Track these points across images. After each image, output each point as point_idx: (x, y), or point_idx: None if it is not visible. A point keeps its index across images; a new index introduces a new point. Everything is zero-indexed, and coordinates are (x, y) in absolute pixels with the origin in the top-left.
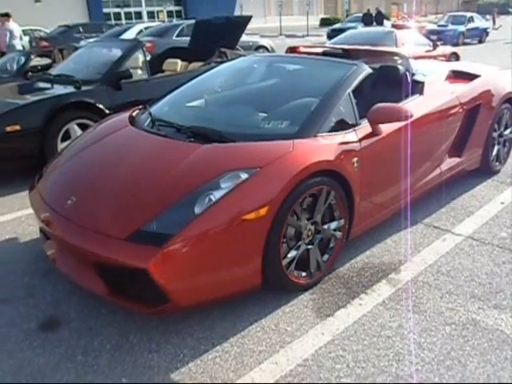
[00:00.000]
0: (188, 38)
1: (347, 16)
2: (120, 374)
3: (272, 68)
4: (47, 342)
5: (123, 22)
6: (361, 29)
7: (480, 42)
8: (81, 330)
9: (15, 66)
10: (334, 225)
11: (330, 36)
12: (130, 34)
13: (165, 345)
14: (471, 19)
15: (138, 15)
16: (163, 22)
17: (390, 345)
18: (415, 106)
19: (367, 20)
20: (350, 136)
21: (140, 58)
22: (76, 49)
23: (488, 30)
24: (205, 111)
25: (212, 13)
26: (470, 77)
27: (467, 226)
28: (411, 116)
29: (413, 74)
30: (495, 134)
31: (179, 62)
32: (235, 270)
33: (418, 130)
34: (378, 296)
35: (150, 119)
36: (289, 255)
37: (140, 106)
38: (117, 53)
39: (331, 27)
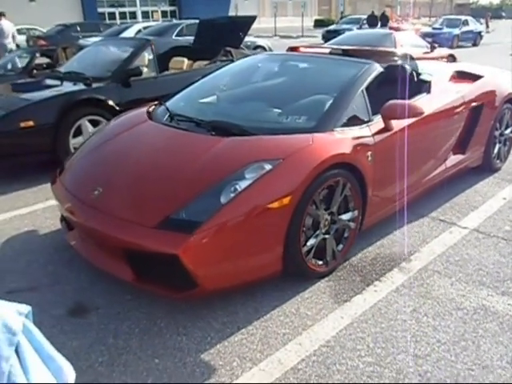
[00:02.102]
0: (187, 38)
1: (342, 18)
2: (151, 355)
3: (284, 66)
4: (78, 326)
5: (118, 21)
6: (357, 30)
7: (474, 44)
8: (109, 315)
9: (20, 64)
10: (348, 215)
11: (325, 37)
12: (128, 34)
13: (192, 328)
14: (466, 22)
15: (133, 15)
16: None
17: (407, 327)
18: (423, 104)
19: (372, 21)
20: (364, 131)
21: (148, 56)
22: (80, 47)
23: (482, 34)
24: (221, 107)
25: (207, 13)
26: (473, 77)
27: (472, 220)
28: (423, 113)
29: (419, 74)
30: (497, 133)
31: (185, 60)
32: (258, 256)
33: (425, 127)
34: (392, 283)
35: (168, 114)
36: (308, 243)
37: (155, 102)
38: (126, 51)
39: (326, 28)
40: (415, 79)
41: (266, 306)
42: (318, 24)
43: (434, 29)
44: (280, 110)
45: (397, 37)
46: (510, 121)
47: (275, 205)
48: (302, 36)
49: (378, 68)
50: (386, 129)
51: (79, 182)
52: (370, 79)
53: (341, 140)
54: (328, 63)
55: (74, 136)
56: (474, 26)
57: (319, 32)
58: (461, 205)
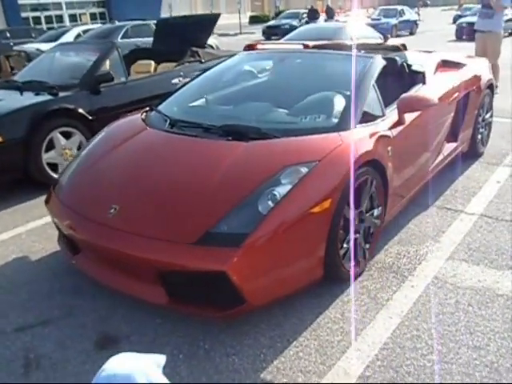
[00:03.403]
0: (134, 40)
1: (279, 13)
2: (207, 381)
3: (282, 63)
4: None
5: (44, 26)
6: (311, 25)
7: (411, 33)
8: (143, 342)
9: None
10: (374, 213)
11: (266, 33)
12: (67, 38)
13: (240, 347)
14: (402, 12)
15: (59, 19)
16: (87, 24)
17: (457, 319)
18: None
19: (312, 15)
20: (382, 126)
21: (116, 60)
22: (27, 55)
23: (418, 22)
24: (226, 110)
25: (137, 14)
26: (457, 65)
27: (476, 205)
28: (436, 104)
29: (410, 65)
30: (480, 119)
31: (152, 63)
32: (302, 264)
33: (428, 117)
34: (425, 277)
35: (168, 120)
36: (344, 245)
37: (146, 108)
38: (90, 56)
39: (266, 24)
40: (409, 70)
41: (308, 314)
42: (254, 20)
43: (372, 20)
44: (290, 110)
45: (349, 29)
46: (489, 106)
47: (317, 209)
48: (240, 33)
49: (382, 61)
50: (400, 122)
51: (87, 200)
52: (377, 73)
53: (366, 137)
54: (328, 59)
55: (47, 150)
56: (409, 15)
57: (256, 28)
58: (460, 191)
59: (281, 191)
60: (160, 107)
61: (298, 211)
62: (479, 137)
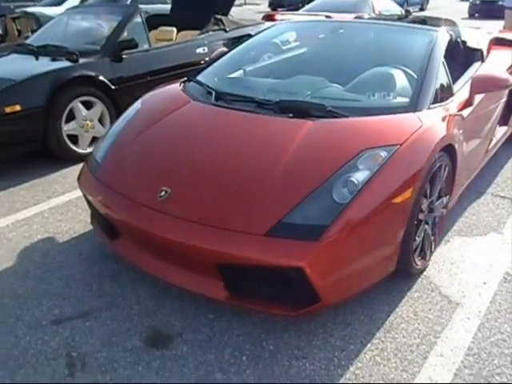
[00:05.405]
0: (144, 7)
1: None
2: None
3: (338, 35)
4: (167, 360)
5: None
6: None
7: (421, 9)
8: (198, 342)
9: None
10: (442, 202)
11: (273, 4)
12: (72, 3)
13: (309, 349)
14: None
15: None
16: None
17: None
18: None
19: None
20: (453, 106)
21: (138, 26)
22: (37, 18)
23: None
24: (276, 83)
25: None
26: (510, 43)
27: None
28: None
29: (464, 42)
30: None
31: (175, 30)
32: (378, 258)
33: (489, 98)
34: (496, 273)
35: (214, 93)
36: (417, 238)
37: (184, 79)
38: (111, 20)
39: None
40: (464, 47)
41: (378, 312)
42: None
43: None
44: (348, 86)
45: (374, 2)
46: None
47: (398, 199)
48: (245, 3)
49: (447, 35)
50: (470, 103)
51: (130, 180)
52: (444, 48)
53: (442, 119)
54: (386, 31)
55: (67, 121)
56: None
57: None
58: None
59: (359, 178)
60: (201, 78)
61: (380, 201)
62: None
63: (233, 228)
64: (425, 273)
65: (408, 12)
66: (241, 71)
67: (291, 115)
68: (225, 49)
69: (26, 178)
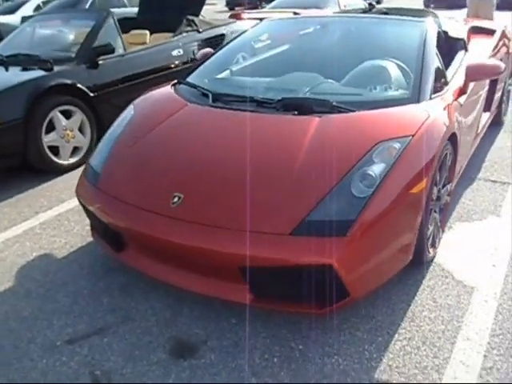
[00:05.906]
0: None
1: None
2: None
3: (327, 30)
4: (197, 370)
5: None
6: None
7: (378, 2)
8: (225, 348)
9: None
10: (447, 189)
11: (230, 3)
12: (26, 10)
13: (339, 345)
14: None
15: None
16: None
17: None
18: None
19: None
20: (449, 95)
21: (112, 30)
22: None
23: None
24: (271, 82)
25: None
26: (488, 32)
27: None
28: (503, 71)
29: (446, 32)
30: (507, 86)
31: (148, 33)
32: (398, 249)
33: (478, 85)
34: (503, 254)
35: (210, 95)
36: (430, 227)
37: (174, 81)
38: (83, 25)
39: None
40: (446, 37)
41: (398, 303)
42: None
43: None
44: (343, 81)
45: None
46: (508, 73)
47: (415, 189)
48: None
49: (434, 25)
50: (464, 91)
51: (137, 188)
52: (435, 38)
53: (444, 109)
54: (375, 24)
55: (47, 132)
56: None
57: None
58: (498, 163)
59: (376, 171)
60: (192, 80)
61: (398, 192)
62: (503, 105)
63: (255, 230)
64: (435, 260)
65: (371, 5)
66: (233, 69)
67: (296, 112)
68: (210, 49)
69: (9, 194)
